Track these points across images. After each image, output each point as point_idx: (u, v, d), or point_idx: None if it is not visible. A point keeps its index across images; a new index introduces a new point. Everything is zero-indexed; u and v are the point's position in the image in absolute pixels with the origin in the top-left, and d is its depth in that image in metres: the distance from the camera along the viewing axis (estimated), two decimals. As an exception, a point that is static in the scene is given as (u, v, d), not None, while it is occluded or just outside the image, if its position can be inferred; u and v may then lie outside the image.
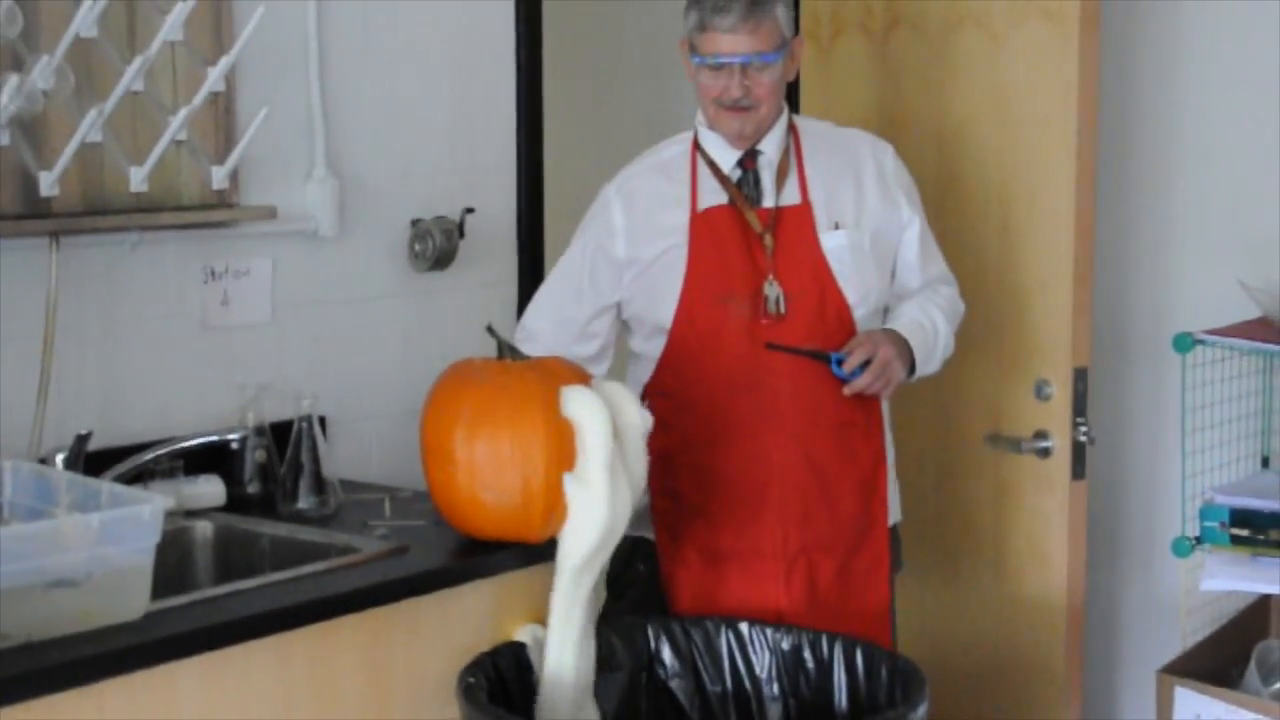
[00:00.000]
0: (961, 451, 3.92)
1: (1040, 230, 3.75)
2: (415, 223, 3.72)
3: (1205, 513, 3.59)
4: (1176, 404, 3.65)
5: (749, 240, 3.24)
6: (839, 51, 4.14)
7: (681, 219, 3.27)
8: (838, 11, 4.13)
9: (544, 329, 3.35)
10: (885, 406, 3.35)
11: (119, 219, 3.14)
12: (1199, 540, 3.59)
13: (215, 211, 3.31)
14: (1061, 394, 3.72)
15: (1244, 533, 3.55)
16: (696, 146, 3.32)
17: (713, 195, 3.28)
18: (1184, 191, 4.07)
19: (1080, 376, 3.71)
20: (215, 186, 3.26)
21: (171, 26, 3.04)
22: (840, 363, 3.18)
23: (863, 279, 3.27)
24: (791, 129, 3.32)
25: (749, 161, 3.28)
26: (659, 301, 3.26)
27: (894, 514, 3.40)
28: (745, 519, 3.20)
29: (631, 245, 3.29)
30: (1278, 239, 3.87)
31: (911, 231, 3.40)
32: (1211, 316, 3.73)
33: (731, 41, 3.14)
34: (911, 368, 3.29)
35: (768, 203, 3.27)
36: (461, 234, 3.75)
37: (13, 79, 2.89)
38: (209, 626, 2.48)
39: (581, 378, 2.94)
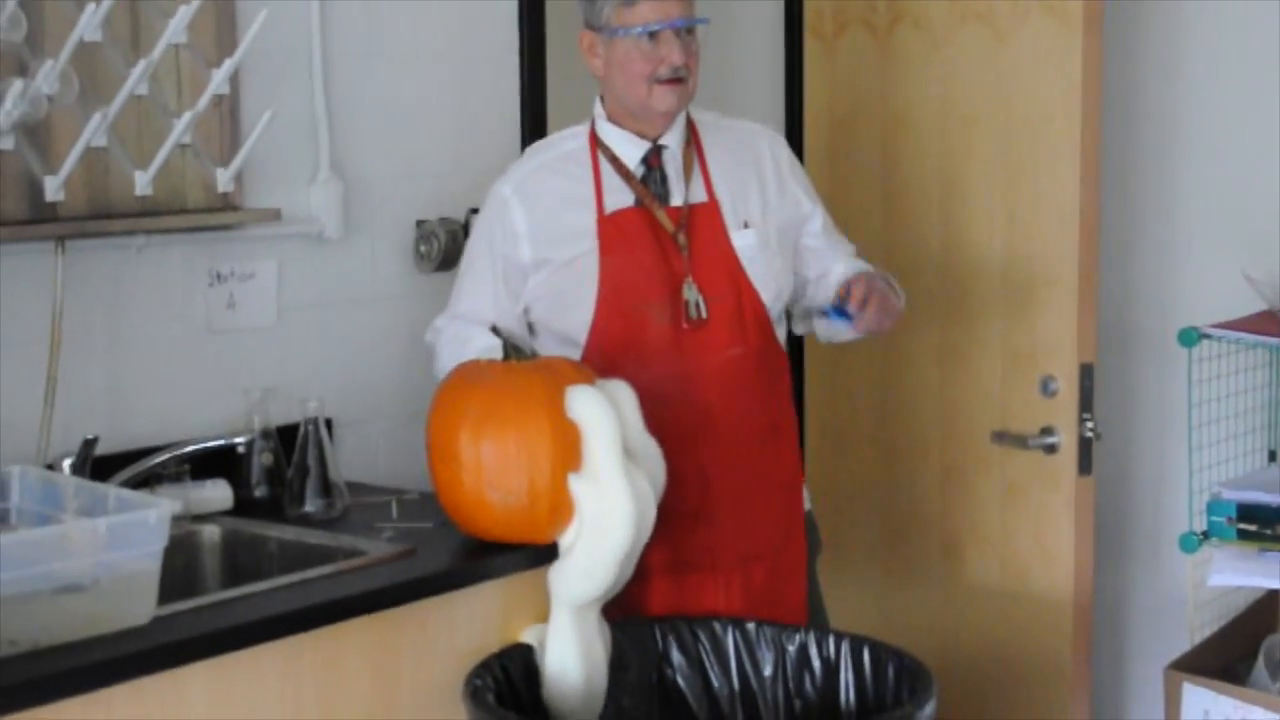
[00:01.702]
0: (968, 448, 3.93)
1: (1045, 226, 3.75)
2: (420, 224, 3.72)
3: (1212, 508, 3.59)
4: (1183, 399, 3.65)
5: (662, 242, 3.18)
6: (842, 48, 4.15)
7: (587, 220, 3.19)
8: (841, 8, 4.13)
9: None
10: (792, 404, 3.35)
11: (124, 223, 3.14)
12: (1206, 535, 3.59)
13: (220, 214, 3.31)
14: (1067, 390, 3.73)
15: (1251, 527, 3.55)
16: (595, 142, 3.26)
17: (618, 195, 3.21)
18: (1188, 186, 4.07)
19: (1086, 372, 3.72)
20: (220, 189, 3.26)
21: (175, 30, 3.05)
22: (841, 311, 3.14)
23: (774, 277, 3.24)
24: (690, 123, 3.28)
25: (654, 158, 3.22)
26: (569, 311, 3.19)
27: (805, 502, 3.38)
28: (681, 534, 3.13)
29: (537, 247, 3.21)
30: (1282, 232, 3.87)
31: (814, 224, 3.37)
32: (1217, 311, 3.73)
33: (664, 8, 3.09)
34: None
35: (676, 201, 3.22)
36: (466, 234, 3.74)
37: (17, 84, 2.89)
38: (217, 631, 2.48)
39: (586, 377, 2.94)
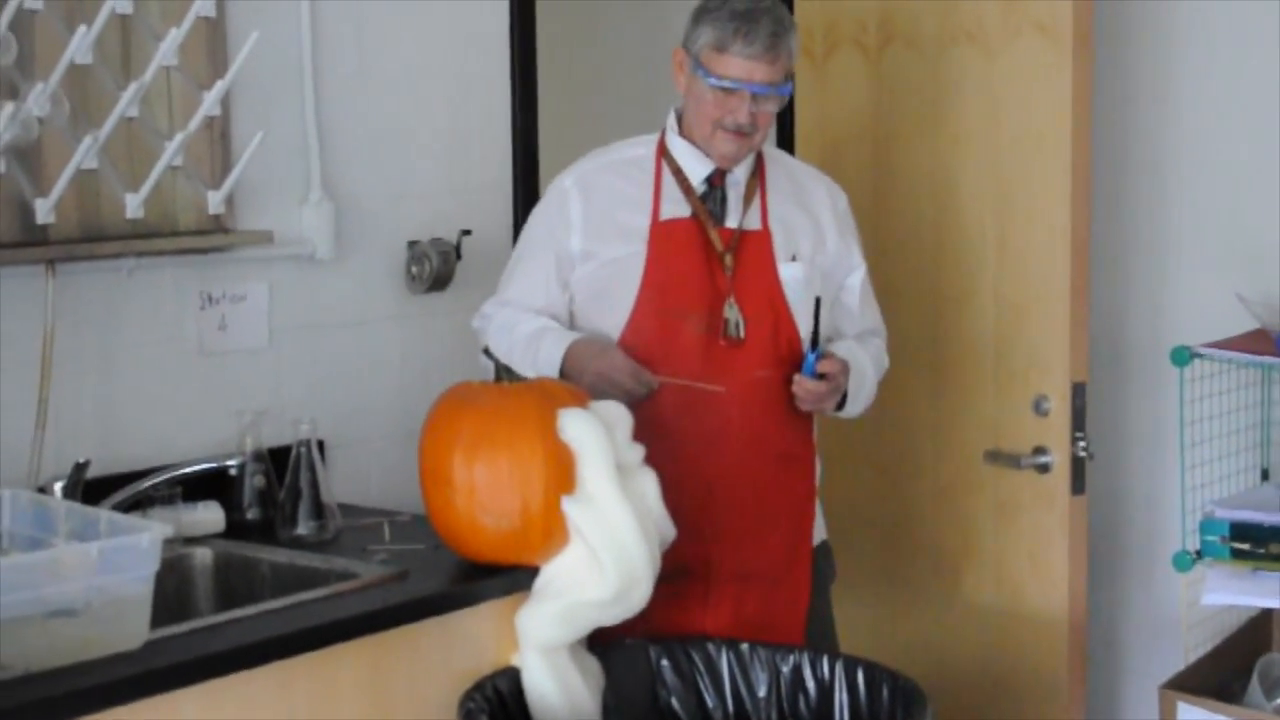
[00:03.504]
0: (961, 468, 3.92)
1: (1036, 245, 3.74)
2: (412, 245, 3.72)
3: (1205, 527, 3.58)
4: (1175, 418, 3.64)
5: (710, 258, 3.21)
6: (834, 67, 4.15)
7: (642, 223, 3.22)
8: (832, 27, 4.13)
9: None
10: (815, 435, 3.36)
11: (115, 245, 3.14)
12: (1199, 554, 3.59)
13: (211, 236, 3.31)
14: (1060, 409, 3.72)
15: (1244, 546, 3.54)
16: (663, 152, 3.29)
17: (675, 205, 3.24)
18: (1180, 204, 4.07)
19: (1078, 391, 3.71)
20: (211, 211, 3.27)
21: (166, 52, 3.05)
22: (819, 358, 3.17)
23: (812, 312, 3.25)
24: (758, 155, 3.31)
25: (717, 179, 3.25)
26: (607, 309, 3.22)
27: (820, 533, 3.40)
28: (678, 540, 3.08)
29: (588, 240, 3.24)
30: (1274, 251, 3.86)
31: (856, 276, 3.41)
32: (1209, 329, 3.73)
33: (749, 69, 3.12)
34: (839, 406, 3.29)
35: (731, 223, 3.25)
36: (458, 256, 3.75)
37: (8, 107, 2.89)
38: (209, 654, 2.47)
39: (579, 399, 2.94)
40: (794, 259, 3.27)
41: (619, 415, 2.94)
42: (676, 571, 3.13)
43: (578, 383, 3.11)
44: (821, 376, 3.18)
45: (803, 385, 3.18)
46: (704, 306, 3.18)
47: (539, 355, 3.18)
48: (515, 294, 3.31)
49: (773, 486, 3.25)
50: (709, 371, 3.17)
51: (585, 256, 3.25)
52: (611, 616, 2.88)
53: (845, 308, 3.41)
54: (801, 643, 3.26)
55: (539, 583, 2.88)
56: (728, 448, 3.19)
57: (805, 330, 3.23)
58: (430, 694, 2.77)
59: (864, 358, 3.35)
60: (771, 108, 3.19)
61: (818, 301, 3.19)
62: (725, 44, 3.12)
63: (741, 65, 3.12)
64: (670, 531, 2.96)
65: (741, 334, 3.19)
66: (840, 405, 3.29)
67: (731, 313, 3.18)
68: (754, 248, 3.25)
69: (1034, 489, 3.77)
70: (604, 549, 2.82)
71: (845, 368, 3.23)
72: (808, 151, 4.22)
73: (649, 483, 2.93)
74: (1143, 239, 4.13)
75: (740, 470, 3.21)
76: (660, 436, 3.08)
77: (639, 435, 2.99)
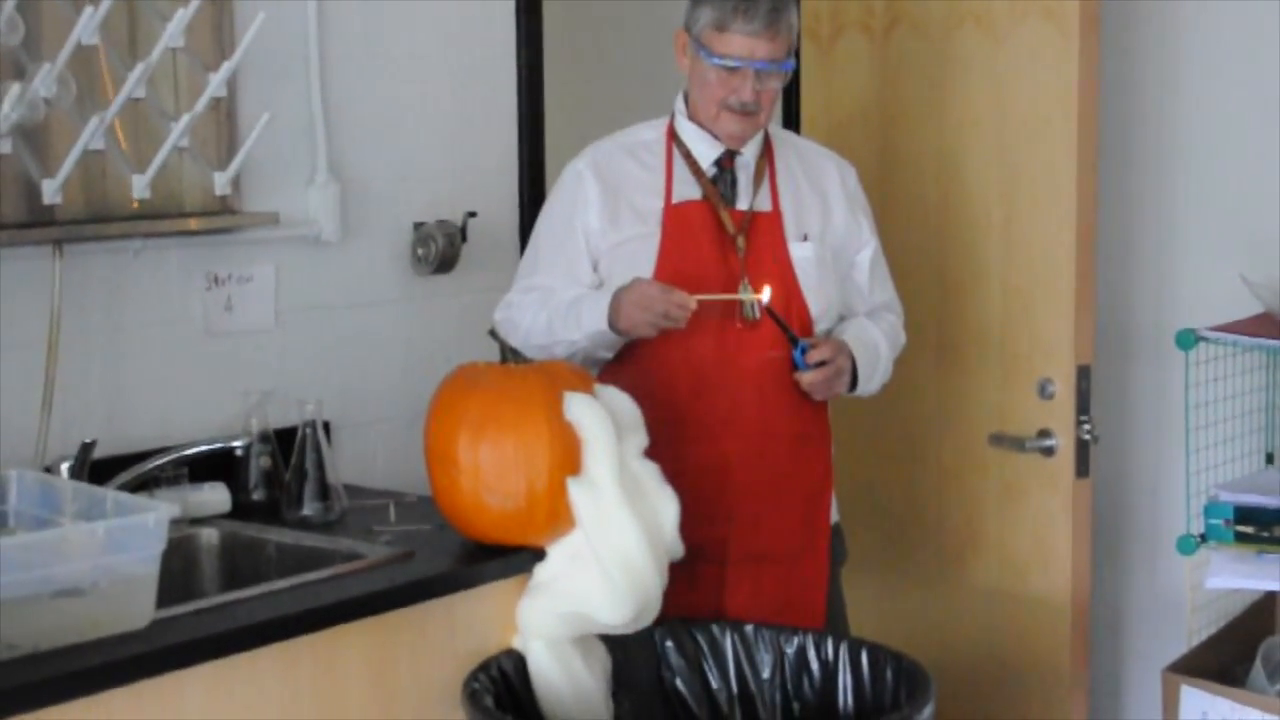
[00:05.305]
0: (965, 451, 3.92)
1: (1042, 228, 3.74)
2: (418, 226, 3.72)
3: (1210, 510, 3.59)
4: (1180, 401, 3.64)
5: (722, 241, 3.22)
6: (839, 51, 4.14)
7: (655, 205, 3.24)
8: (838, 11, 4.13)
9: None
10: (829, 416, 3.36)
11: (122, 226, 3.15)
12: (1204, 538, 3.59)
13: (218, 218, 3.31)
14: (1065, 392, 3.72)
15: (1248, 530, 3.54)
16: (672, 135, 3.30)
17: (686, 188, 3.25)
18: (1185, 188, 4.07)
19: (1083, 375, 3.71)
20: (218, 192, 3.27)
21: (173, 33, 3.05)
22: (805, 351, 3.17)
23: (825, 292, 3.27)
24: (765, 136, 3.32)
25: (727, 161, 3.26)
26: None
27: (833, 514, 3.41)
28: (693, 522, 3.07)
29: (604, 220, 3.25)
30: (1279, 234, 3.86)
31: (866, 253, 3.41)
32: (1214, 313, 3.72)
33: (750, 45, 3.12)
34: (852, 386, 3.29)
35: (742, 205, 3.26)
36: (464, 237, 3.75)
37: (15, 87, 2.89)
38: (215, 634, 2.48)
39: (584, 382, 2.94)
40: (805, 239, 3.28)
41: (632, 424, 2.94)
42: (693, 554, 3.13)
43: (621, 322, 3.09)
44: (820, 364, 3.18)
45: (803, 380, 3.19)
46: (718, 288, 3.18)
47: (581, 315, 3.16)
48: (540, 282, 3.28)
49: (789, 468, 3.26)
50: (724, 354, 3.18)
51: (601, 236, 3.25)
52: (622, 631, 2.90)
53: (856, 284, 3.41)
54: (822, 624, 3.27)
55: (544, 575, 2.88)
56: (743, 429, 3.20)
57: (817, 310, 3.24)
58: (435, 674, 2.78)
59: (876, 333, 3.36)
60: (775, 85, 3.19)
61: (771, 312, 3.16)
62: (725, 22, 3.12)
63: (742, 43, 3.12)
64: (679, 552, 2.96)
65: (757, 315, 3.18)
66: (854, 384, 3.29)
67: (748, 294, 3.18)
68: (765, 229, 3.25)
69: (1038, 472, 3.77)
70: (615, 567, 2.82)
71: (839, 346, 3.23)
72: (813, 135, 4.21)
73: (668, 508, 2.92)
74: (1148, 223, 4.13)
75: (756, 451, 3.21)
76: (676, 420, 3.12)
77: (655, 415, 2.99)
